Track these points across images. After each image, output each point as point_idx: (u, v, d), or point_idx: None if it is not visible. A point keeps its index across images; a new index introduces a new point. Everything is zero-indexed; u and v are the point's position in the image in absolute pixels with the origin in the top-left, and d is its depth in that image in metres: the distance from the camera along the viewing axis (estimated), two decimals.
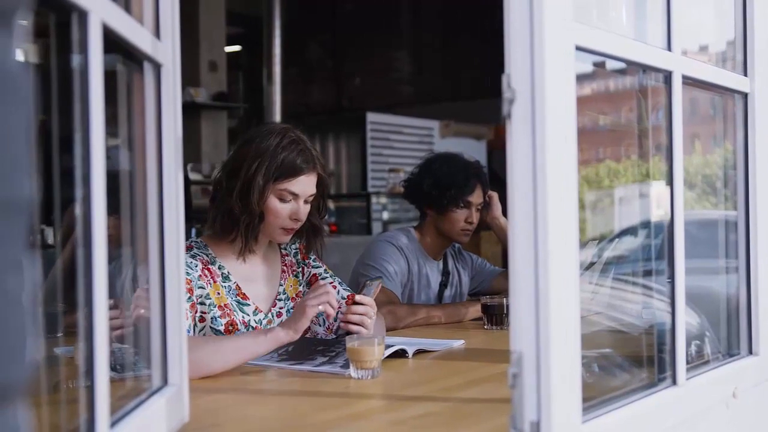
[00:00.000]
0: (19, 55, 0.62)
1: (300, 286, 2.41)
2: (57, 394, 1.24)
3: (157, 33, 1.36)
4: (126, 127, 1.38)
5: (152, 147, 1.37)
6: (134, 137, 1.39)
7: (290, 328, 2.00)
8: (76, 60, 1.04)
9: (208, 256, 2.24)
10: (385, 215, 7.74)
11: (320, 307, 2.00)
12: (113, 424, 1.11)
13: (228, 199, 2.20)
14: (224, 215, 2.23)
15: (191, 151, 7.15)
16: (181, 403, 1.42)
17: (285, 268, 2.40)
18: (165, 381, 1.38)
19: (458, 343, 2.37)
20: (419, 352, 2.19)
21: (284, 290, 2.38)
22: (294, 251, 2.45)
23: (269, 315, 2.31)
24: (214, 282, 2.21)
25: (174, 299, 1.39)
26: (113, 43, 1.13)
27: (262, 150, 2.19)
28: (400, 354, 2.12)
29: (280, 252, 2.42)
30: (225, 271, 2.25)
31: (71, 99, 1.04)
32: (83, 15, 1.01)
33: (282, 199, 2.22)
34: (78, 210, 1.03)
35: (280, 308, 2.34)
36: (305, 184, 2.24)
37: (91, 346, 1.02)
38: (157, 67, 1.36)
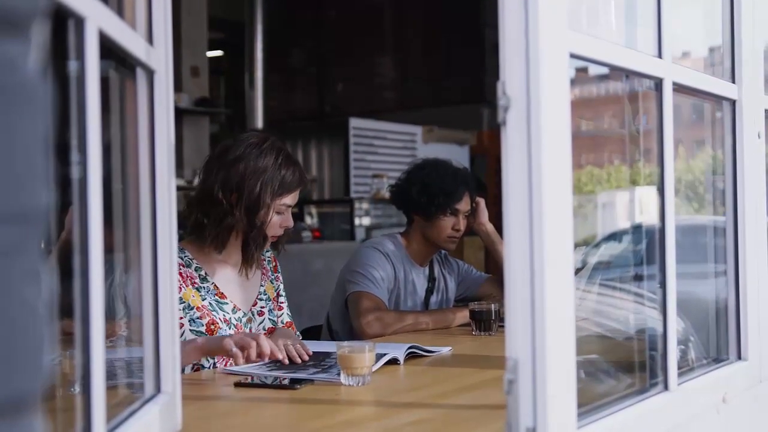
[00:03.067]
0: (36, 65, 0.61)
1: (275, 291, 2.51)
2: (51, 402, 1.23)
3: (150, 39, 1.36)
4: (118, 134, 1.37)
5: (145, 153, 1.37)
6: (126, 143, 1.38)
7: (207, 343, 2.04)
8: (72, 66, 1.03)
9: (183, 258, 2.26)
10: (368, 221, 7.73)
11: (234, 349, 1.95)
12: None
13: (230, 217, 2.24)
14: (227, 231, 2.27)
15: None
16: (174, 412, 1.41)
17: (264, 270, 2.48)
18: (158, 389, 1.37)
19: (446, 350, 2.37)
20: (411, 357, 2.19)
21: (265, 291, 2.46)
22: (267, 259, 2.53)
23: (249, 314, 2.38)
24: (187, 286, 2.25)
25: (167, 307, 1.39)
26: (106, 48, 1.13)
27: (261, 168, 2.26)
28: (392, 361, 2.12)
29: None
30: (202, 273, 2.30)
31: (66, 104, 1.04)
32: (80, 21, 1.00)
33: (278, 212, 2.31)
34: (75, 216, 1.02)
35: (261, 307, 2.42)
36: (297, 196, 2.36)
37: (87, 355, 1.01)
38: (150, 73, 1.36)
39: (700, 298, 2.01)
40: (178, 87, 7.36)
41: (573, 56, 1.26)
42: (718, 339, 1.91)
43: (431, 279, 3.18)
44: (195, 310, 2.23)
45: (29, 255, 0.60)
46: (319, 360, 2.15)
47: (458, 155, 7.91)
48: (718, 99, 1.86)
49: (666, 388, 1.53)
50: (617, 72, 1.61)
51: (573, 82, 1.58)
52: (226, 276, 2.35)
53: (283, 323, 2.46)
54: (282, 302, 2.55)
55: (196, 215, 2.28)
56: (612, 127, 2.09)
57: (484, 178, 7.64)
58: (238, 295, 2.36)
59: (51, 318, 0.64)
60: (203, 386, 1.92)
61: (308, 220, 7.61)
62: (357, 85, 9.88)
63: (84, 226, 1.01)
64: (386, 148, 8.47)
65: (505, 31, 1.19)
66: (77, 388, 1.11)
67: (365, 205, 7.78)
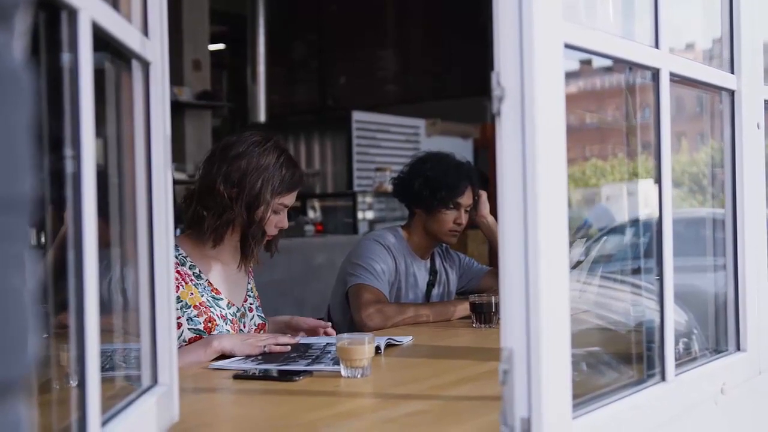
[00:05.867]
0: (19, 54, 0.62)
1: (256, 290, 2.55)
2: (47, 394, 1.23)
3: (145, 31, 1.36)
4: (114, 126, 1.37)
5: (141, 146, 1.37)
6: (122, 136, 1.38)
7: (230, 343, 2.14)
8: (65, 58, 1.03)
9: (177, 257, 2.28)
10: (371, 214, 7.73)
11: (266, 348, 2.15)
12: (104, 423, 1.10)
13: (230, 212, 2.27)
14: (225, 225, 2.29)
15: (175, 151, 7.06)
16: (171, 403, 1.41)
17: (250, 270, 2.52)
18: (155, 380, 1.38)
19: (408, 339, 2.41)
20: (388, 346, 2.24)
21: (251, 288, 2.50)
22: None
23: (242, 309, 2.41)
24: (186, 283, 2.27)
25: (163, 299, 1.39)
26: (101, 41, 1.13)
27: (263, 166, 2.29)
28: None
29: None
30: (196, 270, 2.32)
31: (60, 97, 1.04)
32: (73, 13, 1.00)
33: (275, 212, 2.34)
34: (68, 210, 1.02)
35: (251, 304, 2.47)
36: (294, 197, 2.40)
37: (82, 346, 1.01)
38: (145, 65, 1.36)
39: (703, 290, 2.01)
40: (179, 81, 7.37)
41: (568, 47, 1.26)
42: (717, 330, 1.91)
43: (433, 272, 3.18)
44: (192, 308, 2.25)
45: (14, 242, 0.60)
46: (303, 351, 2.15)
47: (462, 148, 7.91)
48: (717, 90, 1.86)
49: (663, 379, 1.53)
50: (619, 63, 1.61)
51: (577, 75, 1.58)
52: (219, 272, 2.38)
53: (256, 325, 2.48)
54: (251, 305, 2.56)
55: (195, 208, 2.30)
56: (616, 119, 2.09)
57: (488, 171, 7.65)
58: (230, 292, 2.39)
59: (36, 305, 0.64)
60: (201, 378, 1.92)
61: (311, 214, 7.61)
62: (359, 79, 9.88)
63: (78, 220, 1.02)
64: (389, 142, 8.47)
65: (499, 22, 1.19)
66: (76, 380, 1.11)
67: (368, 199, 7.78)
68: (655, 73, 1.54)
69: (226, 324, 2.30)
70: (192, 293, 2.27)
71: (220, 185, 2.27)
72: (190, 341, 2.21)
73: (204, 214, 2.28)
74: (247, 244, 2.32)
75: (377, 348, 2.14)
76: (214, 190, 2.27)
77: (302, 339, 2.31)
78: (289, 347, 2.17)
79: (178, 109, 7.32)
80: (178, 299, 2.22)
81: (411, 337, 2.44)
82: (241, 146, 2.31)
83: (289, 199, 2.36)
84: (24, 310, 0.61)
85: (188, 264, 2.31)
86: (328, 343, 2.23)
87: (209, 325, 2.25)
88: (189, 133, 7.64)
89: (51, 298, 1.18)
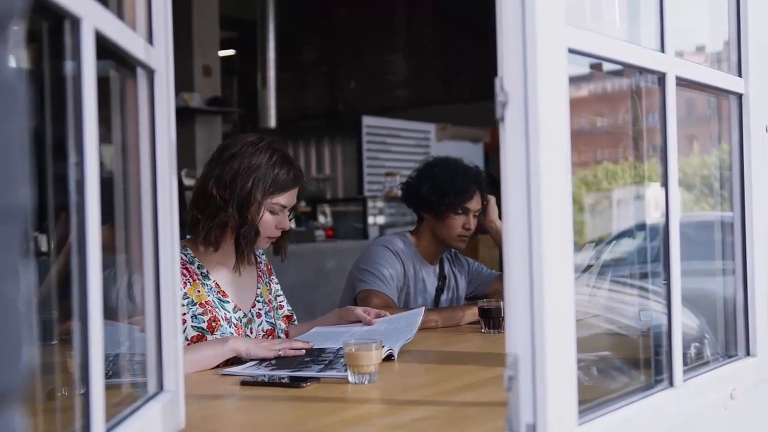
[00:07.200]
0: (14, 62, 0.62)
1: (270, 294, 2.53)
2: (51, 402, 1.23)
3: (150, 39, 1.36)
4: (119, 133, 1.37)
5: (146, 153, 1.37)
6: (128, 143, 1.38)
7: (245, 345, 2.13)
8: (68, 66, 1.03)
9: (186, 256, 2.32)
10: (382, 219, 7.72)
11: (281, 352, 2.15)
12: (108, 430, 1.10)
13: (223, 213, 2.27)
14: (219, 227, 2.29)
15: (186, 157, 7.13)
16: (177, 409, 1.42)
17: (260, 273, 2.51)
18: (161, 387, 1.38)
19: (419, 311, 2.44)
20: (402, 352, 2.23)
21: (261, 293, 2.48)
22: (263, 262, 2.56)
23: (249, 314, 2.40)
24: (194, 281, 2.29)
25: (169, 305, 1.39)
26: (105, 48, 1.13)
27: (255, 166, 2.29)
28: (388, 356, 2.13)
29: (255, 258, 2.51)
30: (204, 271, 2.34)
31: (64, 105, 1.04)
32: (76, 22, 1.01)
33: (272, 212, 2.33)
34: (72, 217, 1.03)
35: (259, 309, 2.45)
36: (293, 197, 2.37)
37: (86, 353, 1.01)
38: (150, 72, 1.36)
39: (715, 294, 2.00)
40: (189, 87, 7.37)
41: (572, 51, 1.25)
42: (727, 335, 1.90)
43: (442, 277, 3.18)
44: (198, 306, 2.25)
45: (8, 252, 0.60)
46: (316, 356, 2.15)
47: (472, 152, 7.90)
48: (724, 93, 1.85)
49: (671, 384, 1.52)
50: (626, 68, 1.60)
51: (588, 78, 1.57)
52: (226, 276, 2.38)
53: (281, 316, 2.52)
54: (281, 301, 2.58)
55: (192, 212, 2.31)
56: (627, 123, 2.08)
57: (498, 175, 7.62)
58: (238, 296, 2.39)
59: (32, 315, 0.64)
60: (208, 385, 1.92)
61: (321, 219, 7.60)
62: (369, 83, 9.87)
63: (81, 226, 1.02)
64: (399, 146, 8.47)
65: (502, 27, 1.19)
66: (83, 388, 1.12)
67: (378, 204, 7.78)
68: (661, 78, 1.53)
69: (230, 327, 2.29)
70: (199, 291, 2.28)
71: (212, 187, 2.28)
72: (193, 339, 2.21)
73: (199, 217, 2.29)
74: (239, 245, 2.32)
75: (390, 356, 2.14)
76: (207, 192, 2.29)
77: (316, 344, 2.31)
78: (304, 351, 2.17)
79: (188, 115, 7.33)
80: (185, 295, 2.23)
81: (422, 308, 2.47)
82: (235, 147, 2.32)
83: (285, 199, 2.34)
84: (18, 319, 0.61)
85: (197, 264, 2.33)
86: (341, 348, 2.23)
87: (213, 324, 2.25)
88: (199, 139, 7.64)
89: (60, 306, 1.18)
